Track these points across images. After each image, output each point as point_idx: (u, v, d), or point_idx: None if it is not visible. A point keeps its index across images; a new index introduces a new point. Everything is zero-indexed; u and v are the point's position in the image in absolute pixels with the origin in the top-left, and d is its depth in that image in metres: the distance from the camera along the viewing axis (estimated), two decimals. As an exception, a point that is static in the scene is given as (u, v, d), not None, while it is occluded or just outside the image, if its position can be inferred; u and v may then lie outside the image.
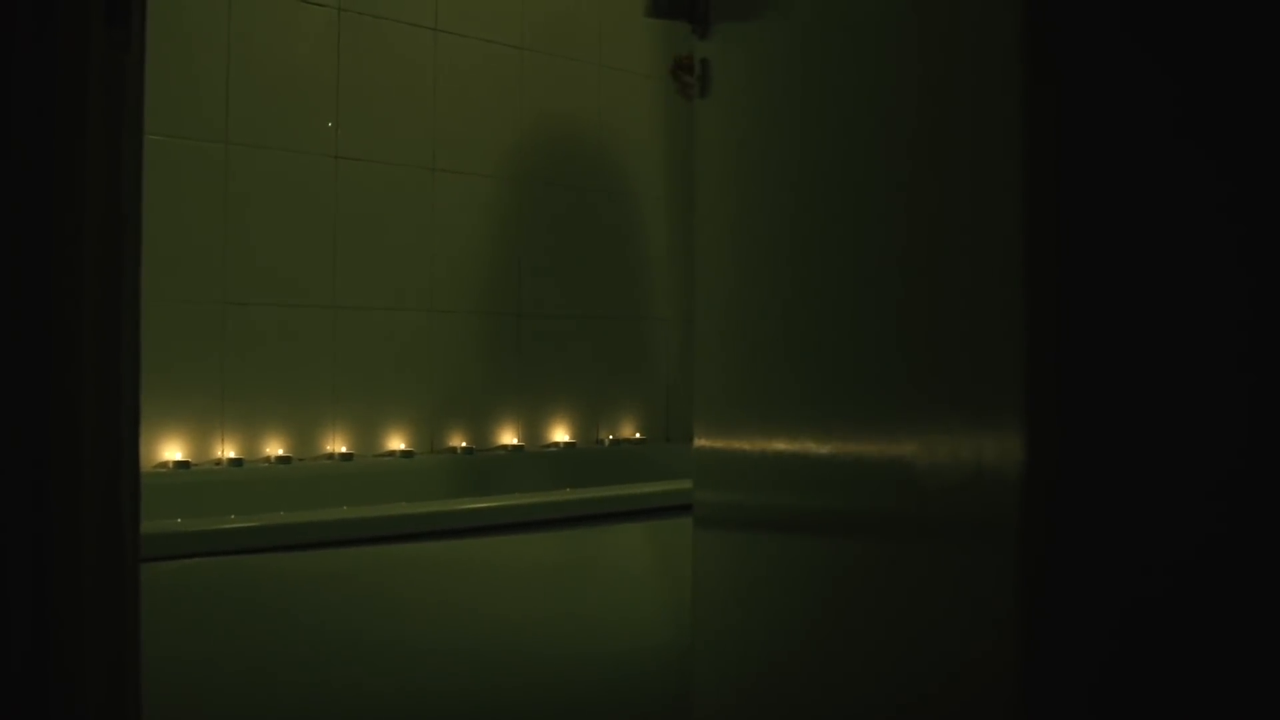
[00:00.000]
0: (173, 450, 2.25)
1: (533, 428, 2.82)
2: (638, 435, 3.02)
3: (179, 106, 2.27)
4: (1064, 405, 0.76)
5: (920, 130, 0.89)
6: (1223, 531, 0.79)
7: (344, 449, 2.49)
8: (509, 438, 2.77)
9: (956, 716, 0.81)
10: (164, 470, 2.23)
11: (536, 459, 2.77)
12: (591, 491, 2.19)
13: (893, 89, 0.93)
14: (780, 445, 1.09)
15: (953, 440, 0.82)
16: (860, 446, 0.96)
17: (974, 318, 0.81)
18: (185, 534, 1.62)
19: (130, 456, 0.82)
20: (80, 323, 0.77)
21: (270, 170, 2.40)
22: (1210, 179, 0.80)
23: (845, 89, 1.00)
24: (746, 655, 1.13)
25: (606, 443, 2.95)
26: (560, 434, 2.87)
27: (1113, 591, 0.76)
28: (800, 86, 1.08)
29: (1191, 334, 0.79)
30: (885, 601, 0.90)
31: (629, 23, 2.96)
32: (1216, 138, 0.80)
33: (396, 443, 2.58)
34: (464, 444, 2.68)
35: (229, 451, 2.33)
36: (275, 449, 2.39)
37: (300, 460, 2.42)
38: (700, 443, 1.24)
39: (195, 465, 2.27)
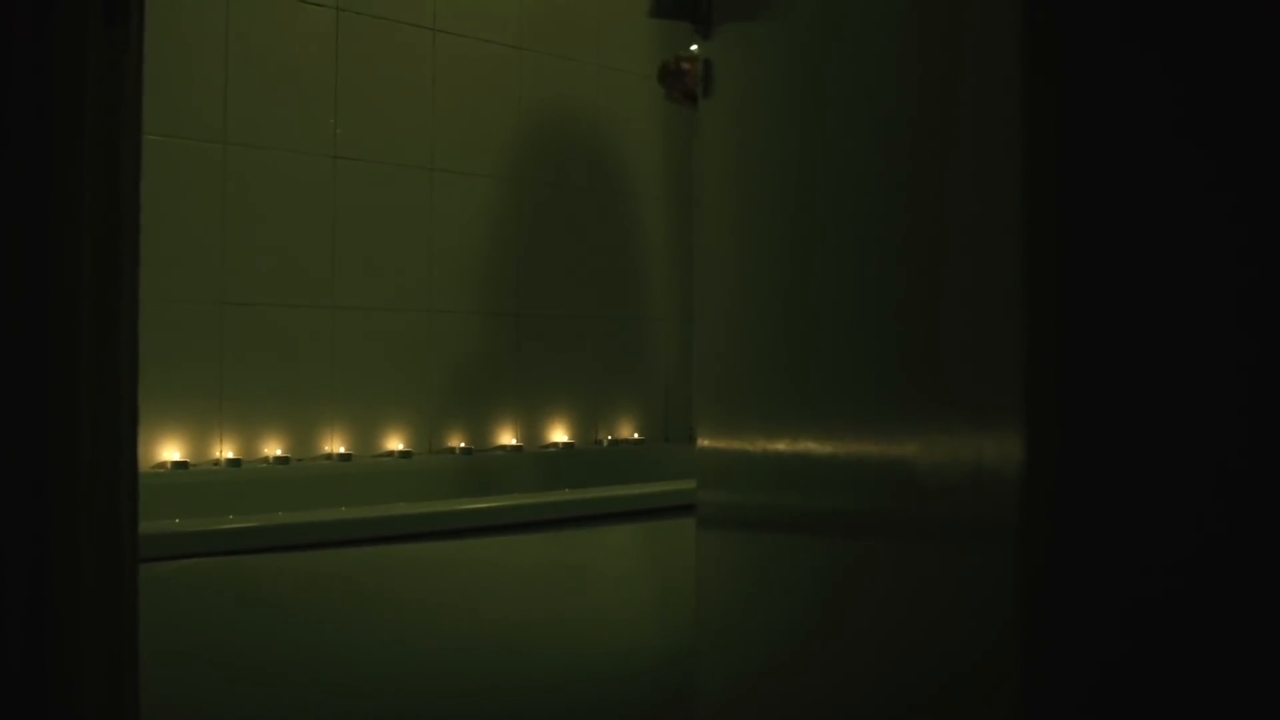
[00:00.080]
0: (171, 450, 2.25)
1: (531, 428, 2.82)
2: (636, 436, 3.02)
3: (178, 106, 2.27)
4: (1064, 405, 0.76)
5: (921, 130, 0.89)
6: (1223, 531, 0.79)
7: (342, 449, 2.49)
8: (508, 438, 2.77)
9: (957, 716, 0.81)
10: (162, 470, 2.23)
11: (535, 459, 2.77)
12: (590, 492, 2.19)
13: (893, 89, 0.93)
14: (781, 445, 1.09)
15: (953, 440, 0.82)
16: (860, 446, 0.96)
17: (974, 318, 0.81)
18: (184, 534, 1.62)
19: (129, 456, 0.82)
20: (79, 323, 0.77)
21: (269, 170, 2.40)
22: (1211, 179, 0.80)
23: (846, 89, 1.00)
24: (749, 655, 1.13)
25: (605, 443, 2.95)
26: (559, 434, 2.87)
27: (1113, 591, 0.76)
28: (801, 86, 1.08)
29: (1192, 334, 0.79)
30: (886, 601, 0.90)
31: (628, 22, 2.96)
32: (1217, 138, 0.80)
33: (395, 443, 2.57)
34: (463, 444, 2.68)
35: (227, 452, 2.33)
36: (274, 449, 2.39)
37: (299, 461, 2.41)
38: (703, 443, 1.24)
39: (194, 465, 2.27)
